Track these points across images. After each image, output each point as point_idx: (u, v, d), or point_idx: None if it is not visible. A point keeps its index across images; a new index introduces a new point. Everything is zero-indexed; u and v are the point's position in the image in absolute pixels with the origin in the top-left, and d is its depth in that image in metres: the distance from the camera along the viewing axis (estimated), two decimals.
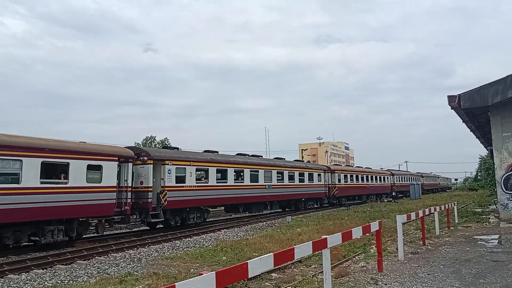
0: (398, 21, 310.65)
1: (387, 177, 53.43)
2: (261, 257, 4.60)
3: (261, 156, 30.50)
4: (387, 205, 37.37)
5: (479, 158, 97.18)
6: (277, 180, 28.81)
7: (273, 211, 30.14)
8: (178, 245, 15.82)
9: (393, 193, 53.65)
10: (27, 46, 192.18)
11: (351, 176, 41.79)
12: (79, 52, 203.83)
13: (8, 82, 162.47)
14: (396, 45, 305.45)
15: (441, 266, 9.44)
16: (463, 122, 21.21)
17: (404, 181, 60.14)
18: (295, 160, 34.97)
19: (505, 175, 17.48)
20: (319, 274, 8.75)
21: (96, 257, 13.19)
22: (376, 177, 49.07)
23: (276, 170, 28.67)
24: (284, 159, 33.34)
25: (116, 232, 20.33)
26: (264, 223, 23.80)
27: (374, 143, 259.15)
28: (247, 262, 4.28)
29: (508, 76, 16.04)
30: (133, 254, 13.81)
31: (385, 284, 7.95)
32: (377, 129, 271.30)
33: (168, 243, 16.26)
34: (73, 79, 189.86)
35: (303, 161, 34.91)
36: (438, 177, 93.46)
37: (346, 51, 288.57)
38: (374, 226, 9.06)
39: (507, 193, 17.38)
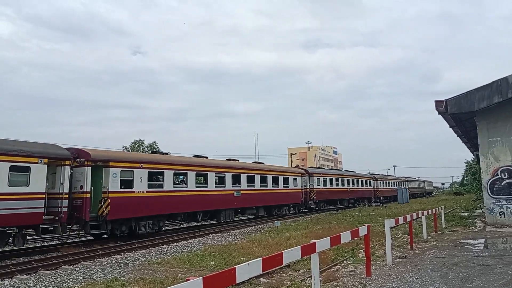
0: (386, 27, 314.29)
1: (296, 179, 33.70)
2: (249, 262, 4.55)
3: None
4: (375, 209, 37.63)
5: (466, 163, 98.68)
6: None
7: None
8: (165, 249, 15.66)
9: (310, 203, 36.36)
10: (14, 48, 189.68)
11: (204, 175, 23.03)
12: (67, 55, 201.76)
13: None
14: (384, 51, 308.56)
15: (429, 270, 9.47)
16: (450, 127, 21.46)
17: (335, 186, 41.66)
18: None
19: (491, 180, 17.68)
20: (308, 278, 8.71)
21: (82, 262, 12.99)
22: (265, 179, 28.58)
23: None
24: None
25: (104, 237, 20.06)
26: (253, 227, 23.73)
27: (362, 147, 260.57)
28: (235, 267, 4.23)
29: (494, 82, 16.28)
30: (119, 259, 13.63)
31: None
32: (365, 133, 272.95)
33: (155, 248, 16.10)
34: (60, 81, 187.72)
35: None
36: (407, 180, 74.33)
37: (335, 56, 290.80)
38: (363, 231, 9.06)
39: (493, 197, 17.58)
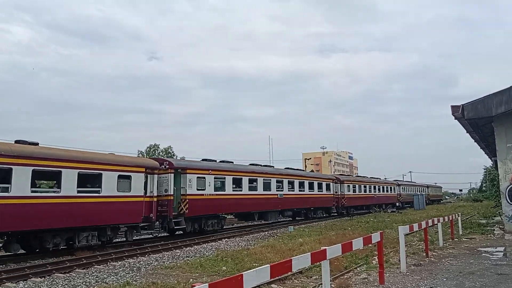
0: (401, 32, 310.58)
1: (129, 178, 17.60)
2: (256, 268, 4.50)
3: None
4: (390, 215, 37.09)
5: (484, 169, 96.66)
6: None
7: None
8: (178, 254, 15.69)
9: (179, 221, 20.25)
10: (33, 53, 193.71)
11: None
12: (84, 60, 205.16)
13: (13, 89, 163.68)
14: (399, 55, 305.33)
15: (444, 279, 9.26)
16: (467, 132, 21.10)
17: (250, 191, 25.84)
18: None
19: (510, 186, 17.30)
20: (320, 285, 8.60)
21: (95, 266, 13.08)
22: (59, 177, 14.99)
23: None
24: None
25: (118, 240, 20.21)
26: (266, 232, 23.63)
27: (378, 152, 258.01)
28: (242, 274, 4.18)
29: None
30: (132, 263, 13.69)
31: None
32: (381, 138, 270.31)
33: (168, 252, 16.14)
34: (78, 86, 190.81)
35: None
36: (398, 185, 58.66)
37: (349, 61, 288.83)
38: (376, 237, 8.92)
39: None
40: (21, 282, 10.83)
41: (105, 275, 11.56)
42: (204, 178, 21.86)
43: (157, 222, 19.46)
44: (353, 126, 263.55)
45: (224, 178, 23.53)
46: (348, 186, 41.36)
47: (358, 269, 10.92)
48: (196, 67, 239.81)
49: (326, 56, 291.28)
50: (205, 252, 16.06)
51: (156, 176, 19.04)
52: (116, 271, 12.21)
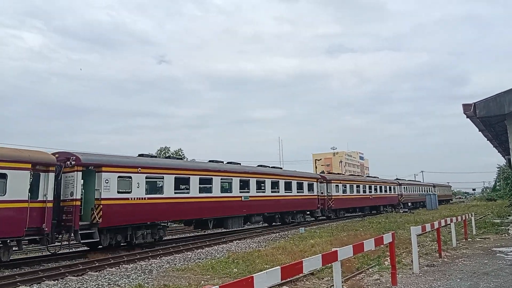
0: (410, 31, 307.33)
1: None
2: (267, 270, 4.48)
3: None
4: (402, 215, 36.75)
5: (497, 168, 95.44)
6: None
7: None
8: (189, 256, 15.74)
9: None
10: (43, 59, 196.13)
11: None
12: (94, 65, 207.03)
13: (24, 94, 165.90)
14: (408, 55, 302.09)
15: (458, 280, 9.15)
16: (480, 131, 20.80)
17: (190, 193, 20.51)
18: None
19: None
20: (331, 287, 8.55)
21: (108, 269, 13.17)
22: None
23: None
24: None
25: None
26: (277, 234, 23.59)
27: (387, 153, 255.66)
28: (253, 276, 4.17)
29: None
30: (144, 265, 13.77)
31: None
32: (391, 138, 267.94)
33: (179, 255, 16.20)
34: (88, 91, 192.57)
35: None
36: (399, 184, 53.51)
37: (358, 61, 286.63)
38: (387, 238, 8.84)
39: None
40: (35, 285, 10.95)
41: (117, 278, 11.64)
42: (130, 177, 17.30)
43: (61, 234, 15.45)
44: (362, 126, 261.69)
45: (162, 178, 18.95)
46: (337, 186, 36.42)
47: (370, 270, 10.84)
48: (204, 69, 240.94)
49: (334, 56, 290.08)
50: (216, 254, 16.08)
51: (51, 174, 14.70)
52: (128, 273, 12.28)
